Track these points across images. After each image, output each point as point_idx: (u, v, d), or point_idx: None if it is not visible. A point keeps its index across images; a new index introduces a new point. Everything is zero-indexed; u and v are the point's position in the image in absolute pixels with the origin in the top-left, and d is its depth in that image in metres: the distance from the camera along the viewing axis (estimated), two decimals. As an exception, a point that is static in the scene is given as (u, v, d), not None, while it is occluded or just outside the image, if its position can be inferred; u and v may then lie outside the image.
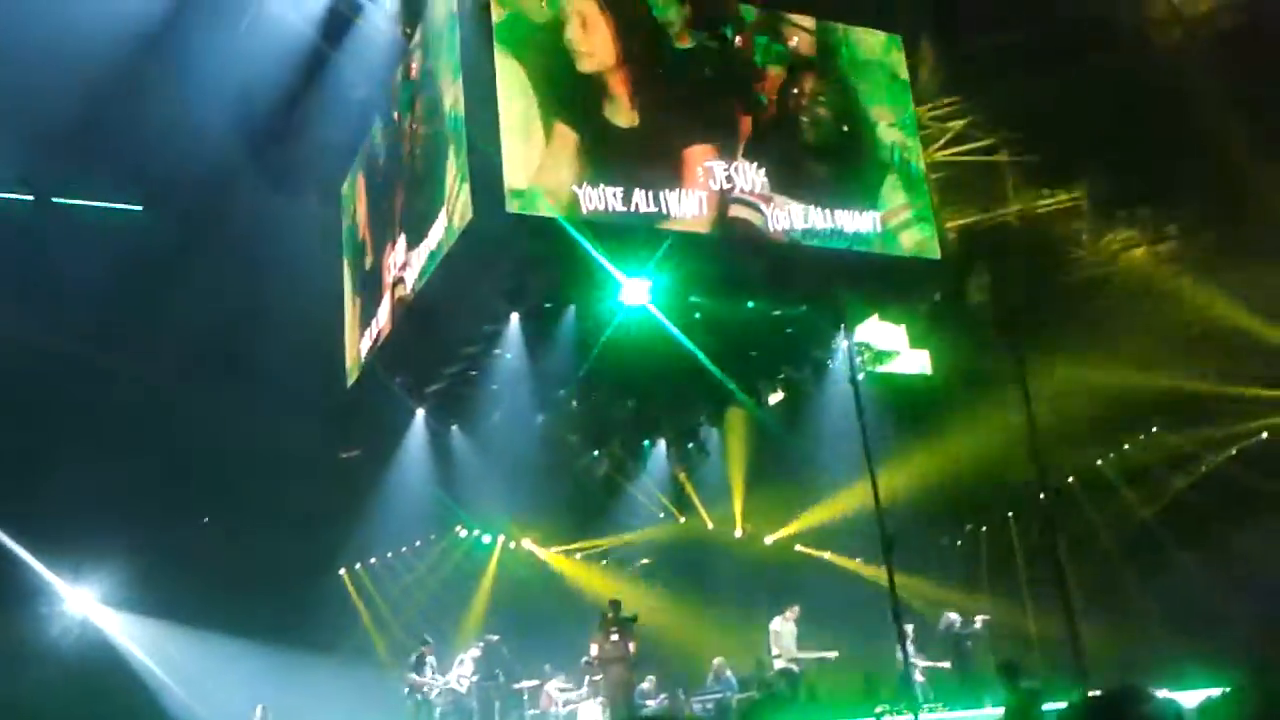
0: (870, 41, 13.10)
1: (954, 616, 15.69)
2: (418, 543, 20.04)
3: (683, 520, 21.13)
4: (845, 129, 12.65)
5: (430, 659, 14.64)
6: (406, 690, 14.43)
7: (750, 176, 11.76)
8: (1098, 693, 2.71)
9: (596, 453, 16.66)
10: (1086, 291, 15.81)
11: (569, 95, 11.16)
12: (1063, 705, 2.96)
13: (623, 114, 11.34)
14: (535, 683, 15.61)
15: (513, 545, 21.23)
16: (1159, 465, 18.36)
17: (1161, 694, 2.77)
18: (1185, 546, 16.88)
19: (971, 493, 19.29)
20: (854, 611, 15.68)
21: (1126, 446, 18.87)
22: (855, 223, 12.19)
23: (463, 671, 15.07)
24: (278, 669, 16.63)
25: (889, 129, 12.83)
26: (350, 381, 14.94)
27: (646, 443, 16.91)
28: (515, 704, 15.50)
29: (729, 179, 11.63)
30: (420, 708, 14.34)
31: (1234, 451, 17.71)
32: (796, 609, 14.75)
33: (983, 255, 15.04)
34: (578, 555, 21.82)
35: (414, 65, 12.81)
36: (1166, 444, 18.30)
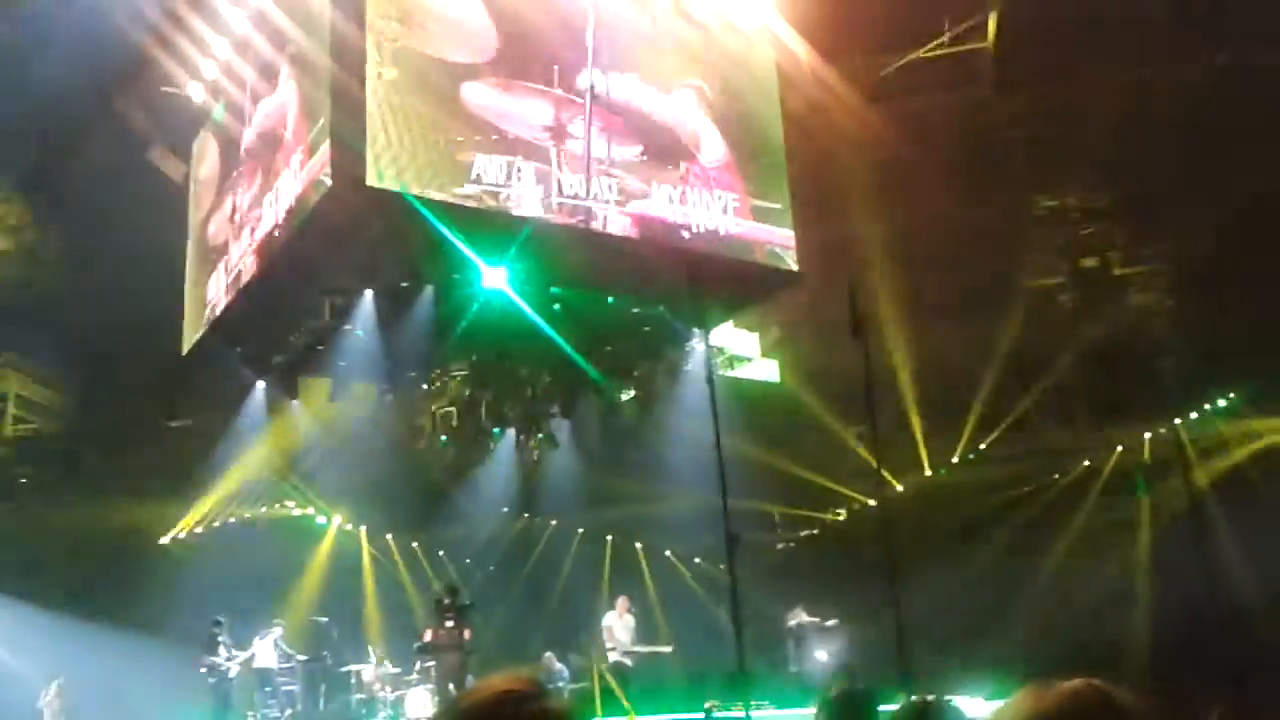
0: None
1: (803, 613, 16.20)
2: (248, 515, 19.32)
3: (526, 514, 21.05)
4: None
5: (223, 638, 14.25)
6: (204, 671, 14.03)
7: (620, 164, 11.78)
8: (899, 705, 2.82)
9: (444, 438, 16.39)
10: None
11: (440, 72, 10.94)
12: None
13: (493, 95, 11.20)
14: (363, 666, 15.30)
15: (348, 527, 20.73)
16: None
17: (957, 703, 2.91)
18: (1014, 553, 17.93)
19: (813, 497, 19.95)
20: (690, 607, 15.97)
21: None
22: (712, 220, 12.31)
23: (278, 648, 14.69)
24: (85, 644, 15.79)
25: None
26: (186, 348, 14.26)
27: (496, 430, 16.75)
28: (341, 687, 15.18)
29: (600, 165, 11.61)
30: (219, 685, 13.95)
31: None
32: (626, 600, 14.90)
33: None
34: (414, 544, 21.47)
35: (276, 24, 12.31)
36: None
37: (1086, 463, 19.65)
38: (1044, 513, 18.93)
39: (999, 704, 1.68)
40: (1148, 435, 18.60)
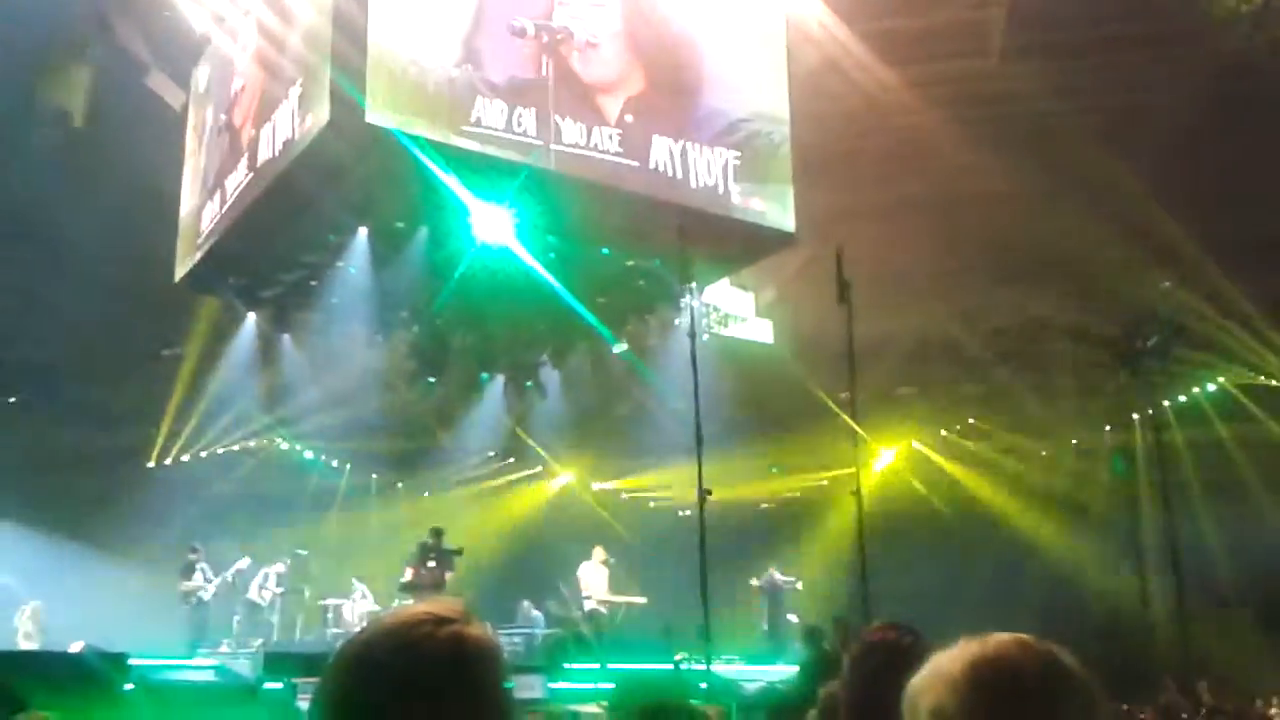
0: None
1: (775, 574, 16.39)
2: (235, 448, 19.39)
3: (510, 460, 21.15)
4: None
5: (201, 565, 14.40)
6: (181, 596, 14.17)
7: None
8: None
9: (432, 380, 16.41)
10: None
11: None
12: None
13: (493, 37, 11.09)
14: (342, 600, 15.45)
15: (334, 464, 20.82)
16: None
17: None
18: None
19: (794, 461, 20.07)
20: (670, 561, 16.09)
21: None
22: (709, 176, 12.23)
23: (266, 584, 14.85)
24: (67, 565, 15.92)
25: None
26: (179, 276, 14.23)
27: (484, 376, 16.77)
28: (319, 619, 15.36)
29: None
30: (196, 611, 14.12)
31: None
32: (602, 550, 15.02)
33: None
34: (398, 485, 21.58)
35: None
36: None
37: (1074, 441, 19.81)
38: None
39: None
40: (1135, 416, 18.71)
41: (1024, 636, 1.55)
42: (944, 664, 1.52)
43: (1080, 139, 14.56)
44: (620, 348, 16.34)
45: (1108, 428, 19.60)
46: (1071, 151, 14.82)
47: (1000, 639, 1.53)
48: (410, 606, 1.57)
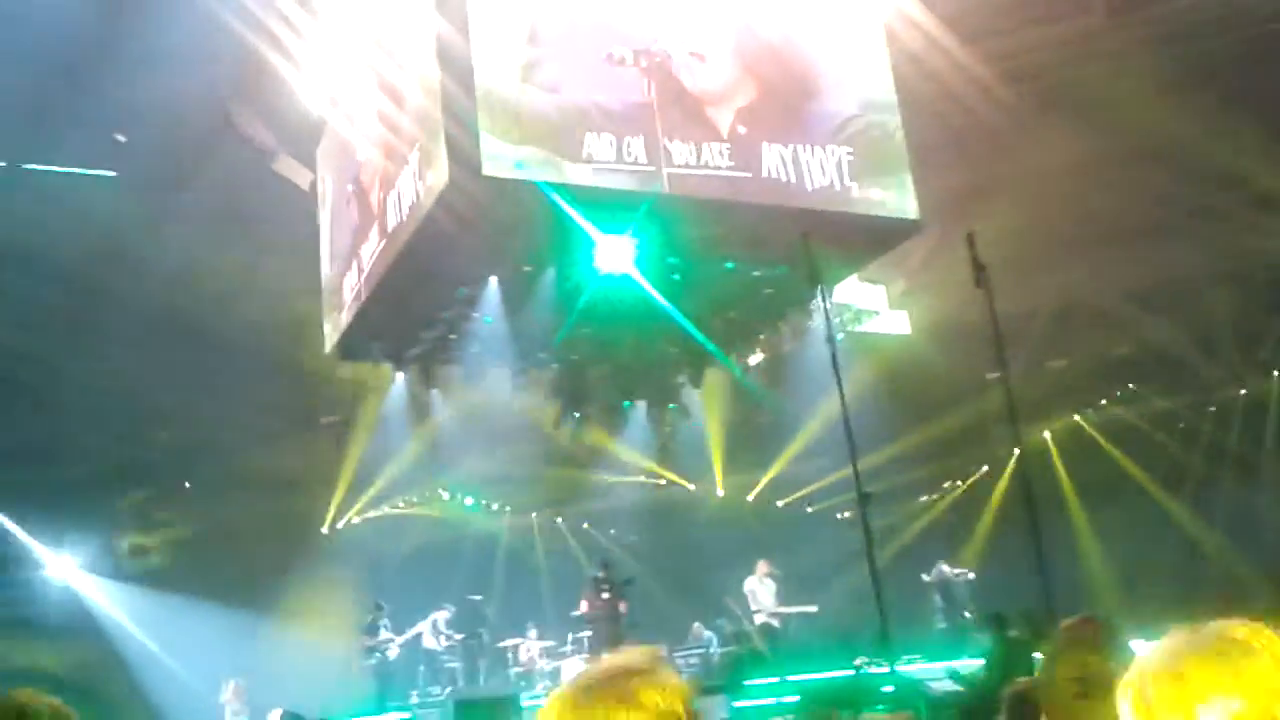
0: None
1: (944, 567, 16.02)
2: (400, 505, 20.09)
3: (663, 483, 21.27)
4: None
5: (384, 621, 14.82)
6: (364, 652, 14.61)
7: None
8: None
9: (577, 414, 16.68)
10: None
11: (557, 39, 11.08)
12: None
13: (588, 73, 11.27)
14: (518, 641, 15.76)
15: (493, 508, 21.33)
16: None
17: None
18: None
19: (950, 451, 19.58)
20: (836, 566, 15.90)
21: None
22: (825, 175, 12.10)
23: (439, 629, 15.24)
24: (255, 636, 16.67)
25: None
26: (328, 347, 14.88)
27: (626, 404, 16.96)
28: (500, 661, 15.68)
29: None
30: (379, 668, 14.53)
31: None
32: (766, 564, 14.92)
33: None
34: (558, 520, 21.95)
35: (379, 30, 12.63)
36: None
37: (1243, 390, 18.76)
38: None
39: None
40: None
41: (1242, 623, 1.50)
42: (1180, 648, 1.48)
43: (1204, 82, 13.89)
44: (755, 359, 16.27)
45: (1276, 373, 18.51)
46: (1195, 99, 14.16)
47: (1222, 627, 1.49)
48: (604, 661, 1.64)
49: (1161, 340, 18.31)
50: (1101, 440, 19.50)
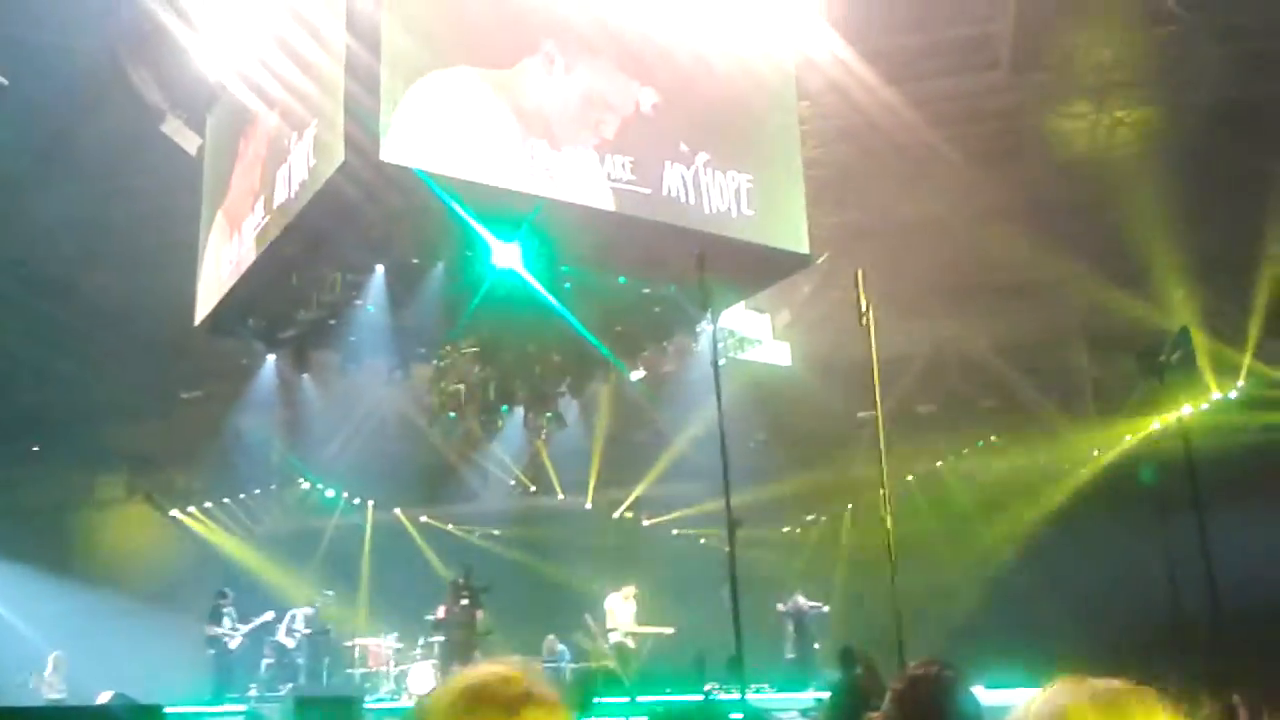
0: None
1: (800, 598, 16.25)
2: (257, 491, 19.43)
3: (533, 490, 21.08)
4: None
5: (228, 610, 14.33)
6: (206, 641, 14.16)
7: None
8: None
9: (452, 414, 16.40)
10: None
11: (464, 39, 10.88)
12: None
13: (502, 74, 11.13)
14: (368, 641, 15.38)
15: (355, 502, 20.81)
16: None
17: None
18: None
19: (816, 485, 19.92)
20: (694, 591, 15.97)
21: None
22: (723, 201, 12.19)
23: (294, 627, 14.81)
24: (89, 614, 15.91)
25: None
26: (199, 320, 14.29)
27: (504, 409, 16.75)
28: (347, 661, 15.28)
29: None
30: (219, 658, 14.05)
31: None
32: (633, 588, 14.95)
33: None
34: (423, 518, 21.54)
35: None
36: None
37: (1095, 451, 19.58)
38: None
39: (1025, 694, 1.62)
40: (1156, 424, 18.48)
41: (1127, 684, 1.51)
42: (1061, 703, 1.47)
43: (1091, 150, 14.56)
44: (637, 374, 16.30)
45: (1127, 438, 19.40)
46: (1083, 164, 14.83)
47: (1108, 684, 1.49)
48: (475, 670, 1.57)
49: (1026, 396, 19.04)
50: (957, 488, 20.10)
